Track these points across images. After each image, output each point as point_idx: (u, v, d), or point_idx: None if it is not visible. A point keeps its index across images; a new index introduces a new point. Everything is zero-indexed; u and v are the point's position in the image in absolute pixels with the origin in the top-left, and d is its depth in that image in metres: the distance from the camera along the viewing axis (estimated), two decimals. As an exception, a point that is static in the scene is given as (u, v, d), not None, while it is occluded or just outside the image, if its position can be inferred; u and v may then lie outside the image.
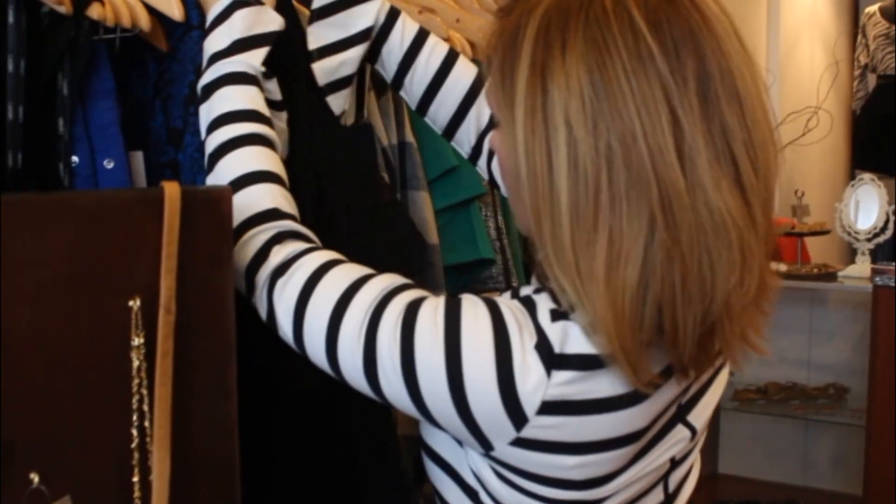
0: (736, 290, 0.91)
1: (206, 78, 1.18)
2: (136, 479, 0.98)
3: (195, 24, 1.23)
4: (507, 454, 0.96)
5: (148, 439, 0.98)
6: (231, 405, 1.06)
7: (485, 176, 1.45)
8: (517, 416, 0.93)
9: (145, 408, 0.97)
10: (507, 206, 1.75)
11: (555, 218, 0.91)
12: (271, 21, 1.21)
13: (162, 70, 1.23)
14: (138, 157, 1.21)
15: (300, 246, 1.07)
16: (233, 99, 1.15)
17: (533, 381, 0.92)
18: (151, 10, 1.20)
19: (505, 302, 0.97)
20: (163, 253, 0.97)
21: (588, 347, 0.93)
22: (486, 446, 0.96)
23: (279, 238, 1.07)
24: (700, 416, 1.09)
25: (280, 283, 1.04)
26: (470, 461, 1.03)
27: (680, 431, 1.06)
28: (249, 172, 1.11)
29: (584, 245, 0.90)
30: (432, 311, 0.97)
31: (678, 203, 0.88)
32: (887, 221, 3.71)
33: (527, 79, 0.92)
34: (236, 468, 1.07)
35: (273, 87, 1.23)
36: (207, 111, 1.16)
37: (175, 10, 1.20)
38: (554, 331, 0.94)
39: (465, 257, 1.62)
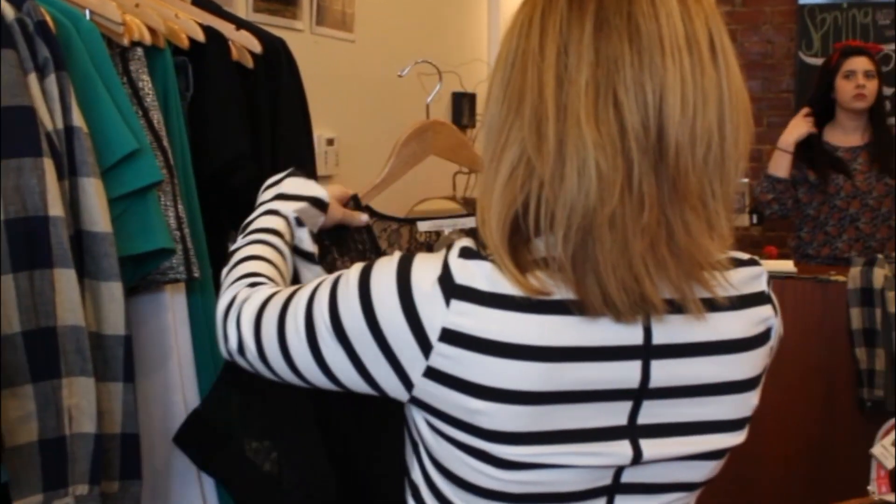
0: (597, 212, 0.97)
1: (249, 218, 1.47)
2: None
3: None
4: (424, 390, 1.05)
5: None
6: None
7: None
8: (423, 340, 1.02)
9: None
10: (188, 193, 1.74)
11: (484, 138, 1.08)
12: (315, 189, 1.48)
13: None
14: None
15: (260, 286, 1.28)
16: (262, 222, 1.44)
17: (433, 308, 1.02)
18: None
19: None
20: None
21: (490, 285, 1.01)
22: (406, 383, 1.05)
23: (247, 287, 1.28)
24: (659, 449, 1.08)
25: (245, 307, 1.23)
26: (414, 415, 1.12)
27: (620, 447, 1.07)
28: (249, 255, 1.37)
29: (485, 160, 1.06)
30: (349, 271, 1.11)
31: (544, 123, 0.99)
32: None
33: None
34: None
35: (304, 235, 1.46)
36: (243, 237, 1.43)
37: None
38: (458, 265, 1.03)
39: (143, 247, 1.59)
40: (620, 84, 0.98)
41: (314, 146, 2.27)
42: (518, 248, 1.02)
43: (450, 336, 1.01)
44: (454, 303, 1.01)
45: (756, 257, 1.15)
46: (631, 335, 1.04)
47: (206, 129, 1.82)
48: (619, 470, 1.09)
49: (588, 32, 0.99)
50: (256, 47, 1.95)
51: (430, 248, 1.64)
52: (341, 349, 1.09)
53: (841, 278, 3.36)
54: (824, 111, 3.89)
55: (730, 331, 1.09)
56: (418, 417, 1.11)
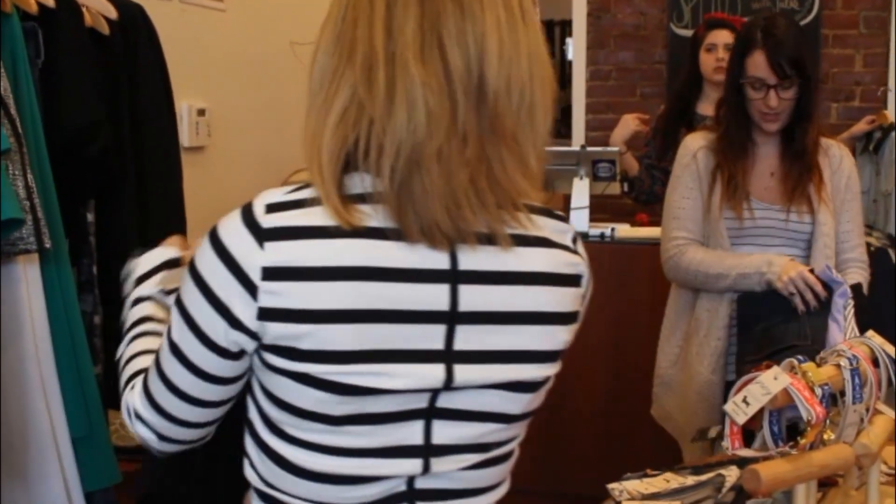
0: (425, 146, 1.07)
1: (122, 317, 1.42)
2: None
3: None
4: (268, 333, 1.09)
5: None
6: None
7: None
8: (248, 284, 1.08)
9: None
10: (40, 162, 1.70)
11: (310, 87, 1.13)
12: (165, 254, 1.47)
13: None
14: None
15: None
16: (132, 315, 1.40)
17: (247, 251, 1.08)
18: None
19: None
20: None
21: (302, 221, 1.09)
22: (250, 334, 1.10)
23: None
24: (470, 375, 1.15)
25: (135, 400, 1.24)
26: (253, 378, 1.18)
27: (433, 370, 1.13)
28: (132, 355, 1.34)
29: (314, 106, 1.12)
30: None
31: (375, 68, 1.07)
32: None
33: None
34: None
35: (169, 300, 1.37)
36: (123, 342, 1.38)
37: None
38: (267, 216, 1.09)
39: (-10, 217, 1.55)
40: (445, 32, 1.08)
41: (175, 114, 2.24)
42: (341, 184, 1.11)
43: (270, 273, 1.08)
44: (268, 244, 1.08)
45: (565, 216, 1.25)
46: (438, 260, 1.11)
47: (58, 96, 1.78)
48: (435, 395, 1.15)
49: None
50: (111, 13, 1.92)
51: None
52: (195, 338, 1.14)
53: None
54: (696, 82, 3.98)
55: (536, 264, 1.17)
56: (253, 356, 1.16)
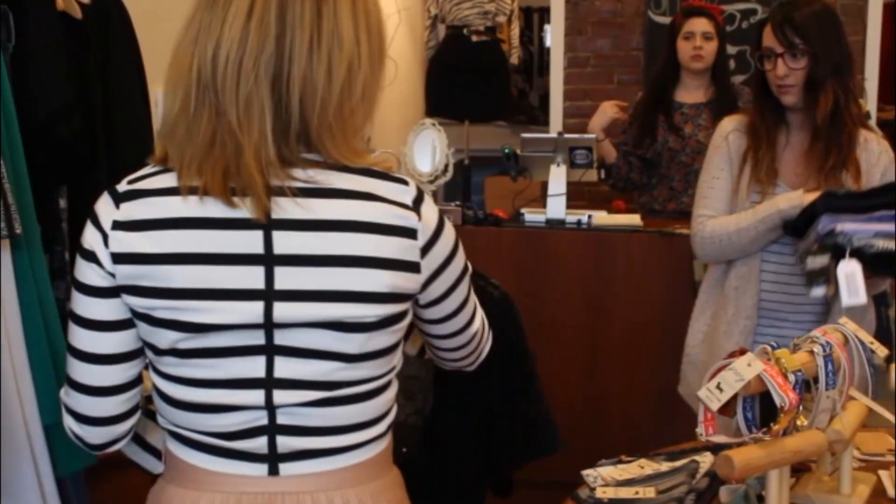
0: (192, 129, 1.27)
1: None
2: None
3: None
4: (119, 274, 1.30)
5: None
6: None
7: None
8: (103, 234, 1.30)
9: None
10: (12, 147, 1.68)
11: None
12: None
13: None
14: None
15: None
16: None
17: (106, 210, 1.31)
18: None
19: None
20: None
21: (147, 185, 1.30)
22: (109, 273, 1.31)
23: None
24: (293, 312, 1.29)
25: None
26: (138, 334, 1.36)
27: (252, 307, 1.29)
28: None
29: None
30: None
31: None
32: (447, 165, 3.92)
33: None
34: None
35: None
36: None
37: None
38: (126, 185, 1.32)
39: (-39, 202, 1.53)
40: (200, 40, 1.28)
41: (149, 100, 2.22)
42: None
43: (118, 225, 1.30)
44: (122, 205, 1.30)
45: (409, 180, 1.36)
46: (252, 212, 1.27)
47: (28, 79, 1.76)
48: (269, 332, 1.30)
49: (202, 5, 1.31)
50: (84, -3, 1.90)
51: None
52: (83, 295, 1.33)
53: (685, 231, 3.44)
54: (674, 70, 3.98)
55: (353, 213, 1.30)
56: (139, 325, 1.34)
